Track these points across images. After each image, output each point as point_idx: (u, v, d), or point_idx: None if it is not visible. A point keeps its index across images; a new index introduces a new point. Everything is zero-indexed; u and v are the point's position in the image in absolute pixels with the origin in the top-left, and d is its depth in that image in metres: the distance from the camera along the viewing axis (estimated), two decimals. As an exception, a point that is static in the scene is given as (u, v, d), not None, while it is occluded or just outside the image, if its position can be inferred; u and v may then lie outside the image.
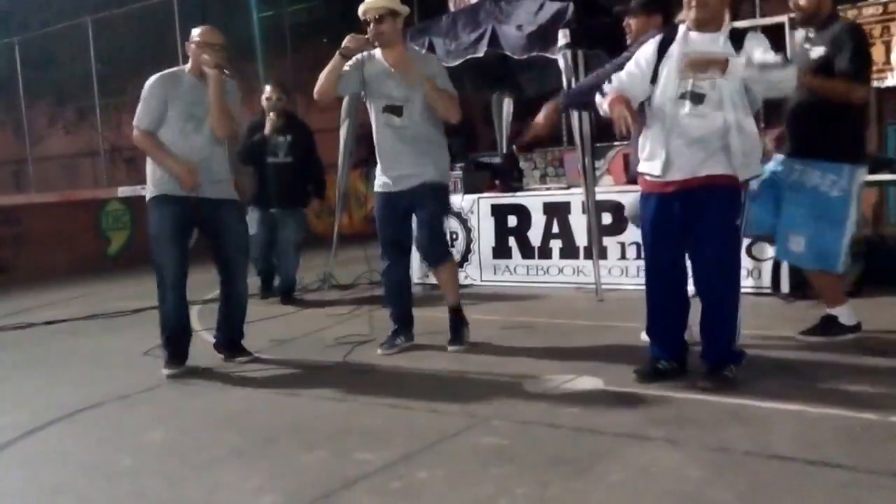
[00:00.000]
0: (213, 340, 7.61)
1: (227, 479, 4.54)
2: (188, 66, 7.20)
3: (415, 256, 10.64)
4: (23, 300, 12.37)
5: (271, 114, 10.47)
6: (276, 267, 11.01)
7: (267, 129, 10.44)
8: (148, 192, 7.14)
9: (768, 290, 8.74)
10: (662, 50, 5.82)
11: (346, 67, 7.03)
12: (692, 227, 5.68)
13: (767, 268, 8.76)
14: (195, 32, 7.13)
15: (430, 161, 7.12)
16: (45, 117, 29.88)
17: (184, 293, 7.16)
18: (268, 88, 10.64)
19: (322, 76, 7.07)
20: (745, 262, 8.86)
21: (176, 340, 7.14)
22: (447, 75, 7.26)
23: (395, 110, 7.05)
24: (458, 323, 7.39)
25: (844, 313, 6.76)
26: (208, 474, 4.63)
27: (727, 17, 5.92)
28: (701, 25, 5.72)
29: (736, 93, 5.57)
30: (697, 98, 5.62)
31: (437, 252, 7.34)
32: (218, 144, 7.19)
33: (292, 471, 4.57)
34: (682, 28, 5.80)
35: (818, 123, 6.48)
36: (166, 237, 7.00)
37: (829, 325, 6.78)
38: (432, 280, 10.87)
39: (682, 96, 5.67)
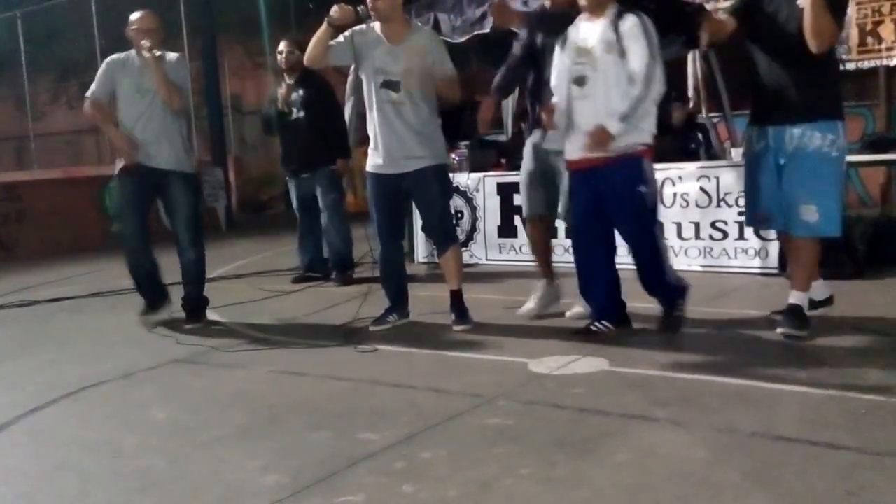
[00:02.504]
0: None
1: (232, 457, 4.53)
2: (133, 50, 7.99)
3: (419, 236, 10.69)
4: (25, 277, 12.38)
5: (283, 66, 10.16)
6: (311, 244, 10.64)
7: (280, 91, 10.17)
8: (115, 167, 8.10)
9: (775, 271, 8.73)
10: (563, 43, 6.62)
11: (340, 39, 7.02)
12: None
13: (774, 248, 8.74)
14: (133, 18, 7.89)
15: (428, 142, 7.10)
16: (48, 93, 29.90)
17: (145, 248, 8.10)
18: (281, 44, 10.24)
19: (311, 44, 7.08)
20: (753, 243, 8.87)
21: (145, 288, 8.29)
22: (446, 52, 7.21)
23: (392, 85, 6.99)
24: (461, 304, 7.37)
25: (816, 288, 6.58)
26: (212, 453, 4.63)
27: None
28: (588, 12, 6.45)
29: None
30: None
31: (448, 234, 7.35)
32: (164, 115, 7.92)
33: (297, 450, 4.57)
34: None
35: (809, 82, 6.15)
36: (126, 203, 8.11)
37: (801, 314, 6.31)
38: (438, 259, 10.91)
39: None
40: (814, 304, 6.54)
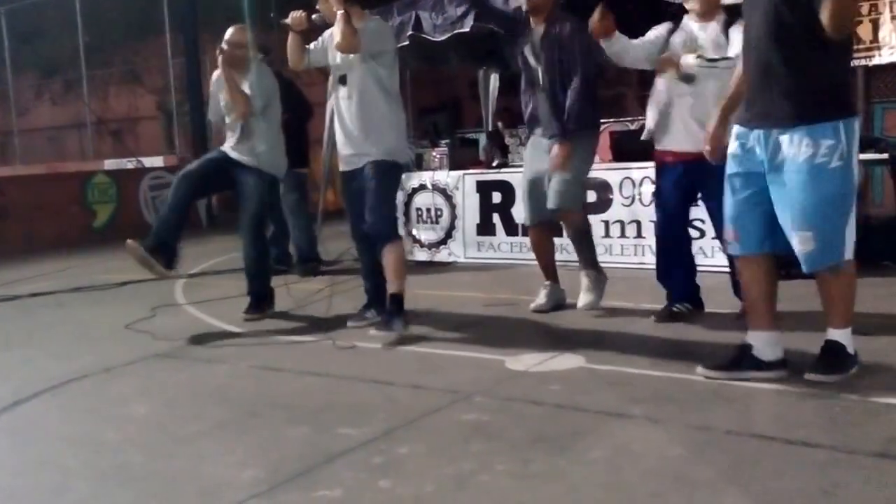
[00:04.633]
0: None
1: (210, 452, 4.55)
2: None
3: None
4: (7, 272, 12.33)
5: None
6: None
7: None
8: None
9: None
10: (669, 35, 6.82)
11: (318, 42, 7.10)
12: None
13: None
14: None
15: (375, 138, 6.94)
16: (32, 89, 29.83)
17: (180, 211, 7.84)
18: None
19: (288, 51, 7.17)
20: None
21: (158, 234, 7.72)
22: (383, 39, 7.01)
23: (343, 80, 6.99)
24: (394, 311, 6.96)
25: (848, 336, 5.25)
26: (191, 447, 4.65)
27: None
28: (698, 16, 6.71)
29: None
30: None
31: (379, 232, 7.01)
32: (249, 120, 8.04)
33: (275, 445, 4.59)
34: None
35: (795, 73, 4.99)
36: (187, 171, 8.04)
37: (835, 356, 5.22)
38: (417, 257, 10.92)
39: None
40: (759, 364, 5.28)
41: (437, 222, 11.08)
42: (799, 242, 5.06)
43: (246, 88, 8.02)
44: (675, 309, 7.02)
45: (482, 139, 14.24)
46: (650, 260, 8.85)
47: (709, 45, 6.58)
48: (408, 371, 5.93)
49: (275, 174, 8.23)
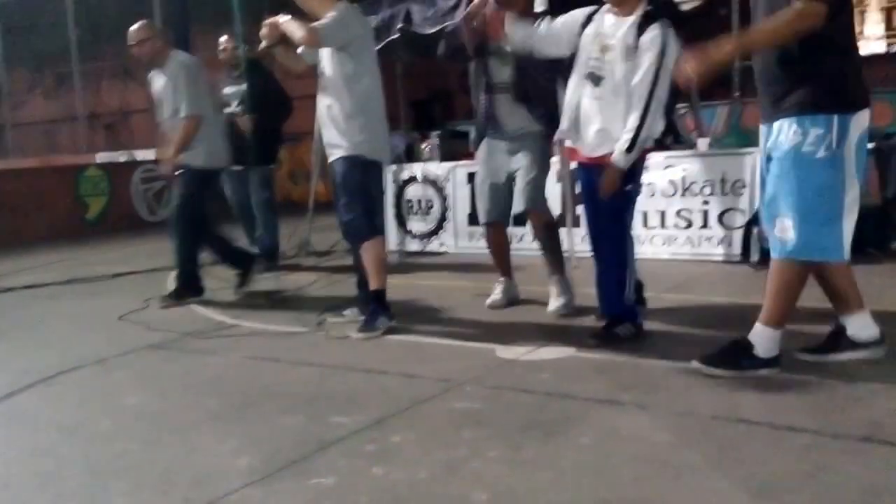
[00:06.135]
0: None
1: (204, 442, 4.59)
2: None
3: (390, 225, 10.71)
4: (1, 265, 12.34)
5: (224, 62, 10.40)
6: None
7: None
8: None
9: (738, 259, 8.83)
10: (587, 22, 6.09)
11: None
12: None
13: (738, 236, 8.84)
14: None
15: (342, 132, 6.79)
16: (24, 83, 29.76)
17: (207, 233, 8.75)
18: (222, 39, 10.48)
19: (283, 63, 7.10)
20: (716, 232, 8.98)
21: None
22: (334, 19, 6.63)
23: (321, 72, 6.93)
24: (376, 308, 6.88)
25: (764, 336, 5.18)
26: (185, 437, 4.69)
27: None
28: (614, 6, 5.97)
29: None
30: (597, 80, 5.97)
31: (351, 233, 6.98)
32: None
33: (269, 434, 4.63)
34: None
35: (784, 72, 4.90)
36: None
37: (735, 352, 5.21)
38: (409, 248, 10.95)
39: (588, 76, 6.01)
40: (853, 343, 5.27)
41: (428, 213, 11.13)
42: (778, 227, 4.96)
43: (160, 83, 8.64)
44: (616, 332, 6.16)
45: (472, 131, 14.28)
46: (638, 249, 8.93)
47: (619, 47, 5.81)
48: (400, 360, 5.97)
49: (206, 167, 8.60)
